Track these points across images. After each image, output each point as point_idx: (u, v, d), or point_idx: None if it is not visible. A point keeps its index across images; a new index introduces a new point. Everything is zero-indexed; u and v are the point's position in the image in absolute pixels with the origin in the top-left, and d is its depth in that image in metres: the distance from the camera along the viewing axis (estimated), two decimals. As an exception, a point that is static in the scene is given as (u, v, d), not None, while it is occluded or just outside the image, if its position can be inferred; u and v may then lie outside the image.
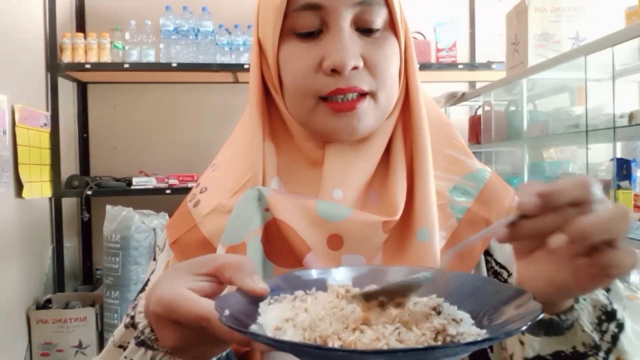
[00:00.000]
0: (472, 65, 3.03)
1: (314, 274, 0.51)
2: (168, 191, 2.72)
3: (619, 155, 2.19)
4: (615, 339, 0.52)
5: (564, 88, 2.48)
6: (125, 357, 0.51)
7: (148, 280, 0.69)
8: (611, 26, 1.93)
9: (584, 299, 0.51)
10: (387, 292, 0.44)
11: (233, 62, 2.77)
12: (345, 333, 0.39)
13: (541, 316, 0.38)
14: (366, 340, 0.38)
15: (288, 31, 0.61)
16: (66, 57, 2.68)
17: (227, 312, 0.41)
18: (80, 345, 2.48)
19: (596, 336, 0.51)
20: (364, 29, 0.61)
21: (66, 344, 2.47)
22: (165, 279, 0.48)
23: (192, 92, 3.08)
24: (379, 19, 0.60)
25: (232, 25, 2.82)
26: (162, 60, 2.75)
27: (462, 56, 3.14)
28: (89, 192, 2.70)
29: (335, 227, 0.59)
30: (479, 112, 2.91)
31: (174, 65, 2.70)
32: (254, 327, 0.42)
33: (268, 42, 0.63)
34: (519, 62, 2.34)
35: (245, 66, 2.71)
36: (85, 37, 2.73)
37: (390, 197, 0.61)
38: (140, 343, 0.51)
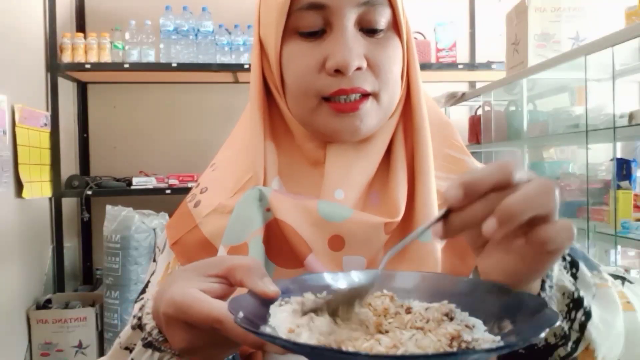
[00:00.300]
0: (472, 65, 3.03)
1: (324, 278, 0.50)
2: (168, 191, 2.72)
3: (619, 155, 2.19)
4: (583, 327, 0.51)
5: (564, 88, 2.49)
6: (132, 359, 0.51)
7: (149, 281, 0.68)
8: (611, 26, 1.93)
9: (551, 287, 0.50)
10: (336, 301, 0.44)
11: (233, 62, 2.77)
12: (359, 340, 0.39)
13: (558, 323, 0.37)
14: (382, 347, 0.37)
15: (291, 31, 0.61)
16: (66, 57, 2.68)
17: (241, 313, 0.40)
18: (80, 345, 2.48)
19: (565, 325, 0.51)
20: (367, 30, 0.60)
21: (66, 344, 2.47)
22: (175, 281, 0.47)
23: (192, 92, 3.08)
24: (382, 20, 0.60)
25: (232, 25, 2.82)
26: (162, 60, 2.75)
27: (462, 56, 3.14)
28: (89, 192, 2.70)
29: (336, 227, 0.59)
30: (479, 112, 2.91)
31: (174, 65, 2.70)
32: (267, 330, 0.41)
33: (270, 41, 0.62)
34: (519, 62, 2.34)
35: (246, 66, 2.71)
36: (85, 37, 2.73)
37: (392, 198, 0.61)
38: (148, 345, 0.51)
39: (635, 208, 1.96)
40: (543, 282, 0.50)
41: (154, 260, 0.71)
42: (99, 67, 2.71)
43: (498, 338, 0.39)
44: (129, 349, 0.54)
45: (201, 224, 0.64)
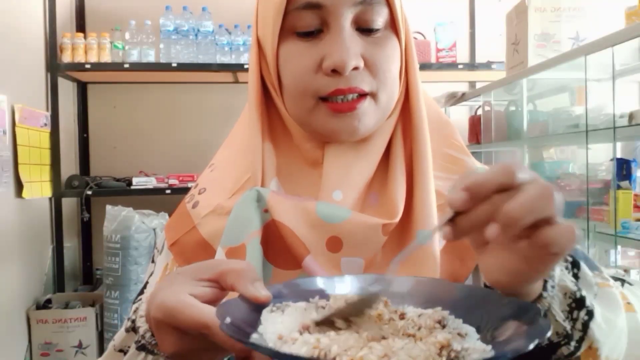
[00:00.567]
0: (472, 65, 3.03)
1: (316, 282, 0.50)
2: (168, 191, 2.72)
3: (619, 155, 2.19)
4: (585, 326, 0.52)
5: (564, 88, 2.48)
6: None
7: (147, 282, 0.68)
8: (611, 26, 1.93)
9: (553, 287, 0.50)
10: (342, 314, 0.43)
11: (233, 62, 2.77)
12: (353, 349, 0.38)
13: (549, 334, 0.38)
14: (374, 356, 0.37)
15: (288, 30, 0.60)
16: (66, 57, 2.68)
17: (228, 319, 0.40)
18: (80, 345, 2.48)
19: (568, 325, 0.51)
20: (364, 29, 0.60)
21: (66, 344, 2.47)
22: (166, 285, 0.47)
23: (192, 92, 3.08)
24: (380, 19, 0.60)
25: (232, 25, 2.82)
26: (162, 60, 2.75)
27: (462, 56, 3.14)
28: (89, 192, 2.70)
29: (334, 229, 0.58)
30: (479, 112, 2.91)
31: (174, 65, 2.70)
32: (255, 336, 0.41)
33: (267, 41, 0.62)
34: (519, 62, 2.34)
35: (245, 66, 2.71)
36: (85, 37, 2.73)
37: (390, 199, 0.61)
38: (141, 347, 0.51)
39: (635, 208, 1.96)
40: (545, 282, 0.50)
41: (153, 261, 0.71)
42: (99, 67, 2.71)
43: (489, 347, 0.39)
44: (123, 351, 0.54)
45: (199, 224, 0.63)
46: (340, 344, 0.39)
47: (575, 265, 0.55)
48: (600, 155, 2.30)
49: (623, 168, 2.03)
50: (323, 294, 0.48)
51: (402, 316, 0.45)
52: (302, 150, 0.65)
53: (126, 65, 2.70)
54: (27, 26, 2.55)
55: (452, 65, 2.93)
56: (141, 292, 0.66)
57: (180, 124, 3.07)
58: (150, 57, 2.77)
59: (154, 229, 2.53)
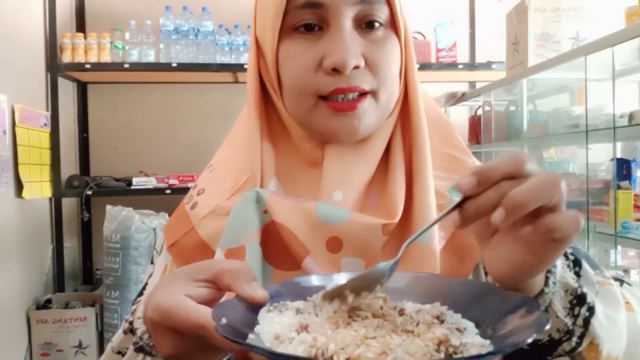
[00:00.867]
0: (472, 65, 3.03)
1: (314, 280, 0.50)
2: (168, 191, 2.72)
3: (619, 155, 2.19)
4: (587, 322, 0.52)
5: (564, 88, 2.48)
6: None
7: (146, 283, 0.68)
8: (611, 26, 1.93)
9: (554, 283, 0.51)
10: (353, 287, 0.44)
11: (233, 62, 2.77)
12: (350, 346, 0.38)
13: (548, 327, 0.38)
14: (371, 354, 0.37)
15: (287, 29, 0.60)
16: (66, 57, 2.68)
17: (224, 320, 0.40)
18: (80, 345, 2.48)
19: (569, 321, 0.51)
20: (365, 28, 0.60)
21: (66, 344, 2.47)
22: (163, 286, 0.47)
23: (192, 92, 3.08)
24: (380, 18, 0.60)
25: (232, 25, 2.82)
26: (162, 60, 2.75)
27: (462, 56, 3.14)
28: (89, 192, 2.70)
29: (334, 229, 0.58)
30: (479, 112, 2.91)
31: (174, 65, 2.70)
32: (251, 336, 0.41)
33: (267, 40, 0.62)
34: (519, 62, 2.34)
35: (245, 66, 2.70)
36: (85, 37, 2.73)
37: (390, 199, 0.61)
38: (139, 349, 0.51)
39: (635, 208, 1.96)
40: (547, 278, 0.50)
41: (152, 262, 0.71)
42: (99, 67, 2.71)
43: (488, 342, 0.39)
44: (121, 353, 0.54)
45: (198, 226, 0.63)
46: (337, 342, 0.38)
47: (576, 263, 0.55)
48: (600, 155, 2.30)
49: (623, 168, 2.03)
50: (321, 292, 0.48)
51: (401, 312, 0.45)
52: (301, 151, 0.64)
53: (126, 65, 2.70)
54: (27, 26, 2.55)
55: (452, 65, 2.93)
56: (140, 294, 0.66)
57: (180, 124, 3.07)
58: (150, 57, 2.77)
59: (154, 229, 2.53)
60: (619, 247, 1.94)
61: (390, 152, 0.64)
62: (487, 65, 2.96)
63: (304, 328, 0.42)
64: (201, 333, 0.42)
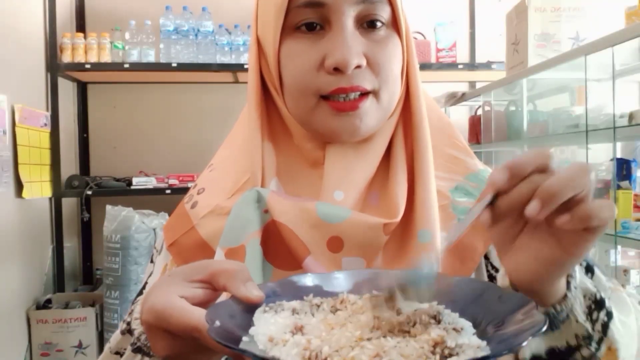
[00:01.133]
0: (472, 65, 3.03)
1: (311, 279, 0.49)
2: (168, 191, 2.71)
3: (619, 155, 2.19)
4: (605, 327, 0.52)
5: (564, 88, 2.48)
6: None
7: (146, 283, 0.68)
8: (611, 26, 1.93)
9: (575, 287, 0.50)
10: (401, 286, 0.44)
11: (233, 62, 2.77)
12: (345, 349, 0.38)
13: (544, 329, 0.38)
14: (365, 356, 0.37)
15: (289, 29, 0.60)
16: (66, 57, 2.68)
17: (217, 323, 0.39)
18: (80, 345, 2.48)
19: (589, 326, 0.51)
20: (366, 27, 0.60)
21: (66, 344, 2.47)
22: (158, 287, 0.46)
23: (192, 92, 3.08)
24: (382, 17, 0.60)
25: (232, 25, 2.82)
26: (162, 60, 2.75)
27: (462, 56, 3.14)
28: (89, 192, 2.70)
29: (335, 229, 0.58)
30: (479, 112, 2.91)
31: (174, 65, 2.70)
32: (245, 339, 0.40)
33: (268, 40, 0.62)
34: (519, 62, 2.34)
35: (245, 66, 2.70)
36: (85, 37, 2.73)
37: (391, 199, 0.61)
38: (137, 349, 0.51)
39: (635, 208, 1.96)
40: (568, 282, 0.50)
41: (152, 262, 0.71)
42: (99, 67, 2.70)
43: (484, 343, 0.39)
44: (119, 353, 0.54)
45: (198, 225, 0.63)
46: (331, 344, 0.38)
47: (589, 269, 0.56)
48: (600, 155, 2.30)
49: (623, 168, 2.03)
50: (319, 291, 0.48)
51: (398, 311, 0.44)
52: (302, 151, 0.64)
53: (126, 65, 2.70)
54: (27, 26, 2.55)
55: (452, 65, 2.93)
56: (140, 293, 0.66)
57: (180, 124, 3.07)
58: (150, 57, 2.77)
59: (154, 229, 2.53)
60: (619, 247, 1.94)
61: (392, 151, 0.64)
62: (487, 65, 2.96)
63: (299, 329, 0.42)
64: (195, 335, 0.42)
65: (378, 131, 0.63)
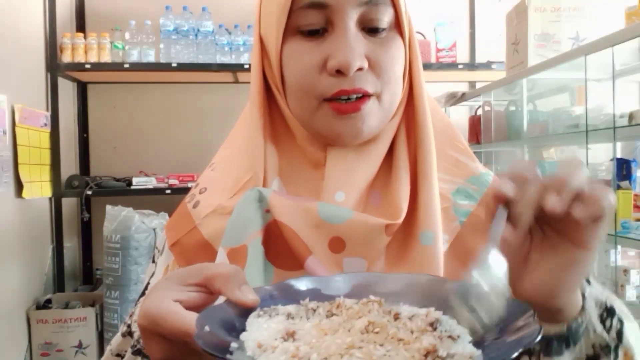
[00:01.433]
0: (472, 65, 3.03)
1: (308, 282, 0.49)
2: (168, 191, 2.71)
3: (619, 155, 2.19)
4: (620, 334, 0.52)
5: (564, 88, 2.48)
6: None
7: (148, 284, 0.68)
8: (611, 26, 1.93)
9: (588, 296, 0.51)
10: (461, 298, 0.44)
11: (233, 62, 2.77)
12: (334, 356, 0.37)
13: (538, 339, 0.37)
14: None
15: (292, 29, 0.60)
16: (66, 57, 2.68)
17: (207, 328, 0.39)
18: (80, 345, 2.48)
19: (606, 335, 0.51)
20: (369, 29, 0.59)
21: (66, 344, 2.47)
22: (154, 290, 0.46)
23: (192, 92, 3.08)
24: (385, 19, 0.59)
25: (232, 25, 2.82)
26: (162, 60, 2.75)
27: (462, 56, 3.14)
28: (89, 192, 2.70)
29: (337, 229, 0.58)
30: (479, 112, 2.91)
31: (174, 65, 2.70)
32: (233, 345, 0.40)
33: (271, 40, 0.62)
34: (519, 62, 2.34)
35: (246, 66, 2.71)
36: (85, 37, 2.73)
37: (393, 200, 0.61)
38: (137, 352, 0.51)
39: (635, 208, 1.96)
40: (582, 296, 0.51)
41: (154, 262, 0.70)
42: (99, 67, 2.70)
43: (478, 352, 0.38)
44: (120, 355, 0.54)
45: (200, 225, 0.63)
46: (320, 352, 0.38)
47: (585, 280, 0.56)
48: (600, 155, 2.30)
49: (623, 168, 2.03)
50: (316, 294, 0.47)
51: (396, 316, 0.44)
52: (304, 151, 0.64)
53: (126, 65, 2.70)
54: (27, 26, 2.55)
55: (452, 65, 2.93)
56: (142, 294, 0.66)
57: (180, 124, 3.07)
58: (150, 57, 2.77)
59: (154, 229, 2.53)
60: (619, 247, 1.94)
61: (394, 152, 0.64)
62: (487, 65, 2.96)
63: (291, 335, 0.41)
64: (188, 340, 0.41)
65: (380, 133, 0.63)
